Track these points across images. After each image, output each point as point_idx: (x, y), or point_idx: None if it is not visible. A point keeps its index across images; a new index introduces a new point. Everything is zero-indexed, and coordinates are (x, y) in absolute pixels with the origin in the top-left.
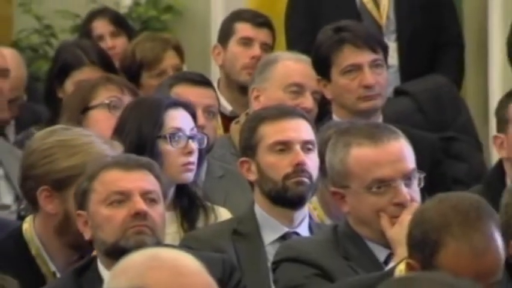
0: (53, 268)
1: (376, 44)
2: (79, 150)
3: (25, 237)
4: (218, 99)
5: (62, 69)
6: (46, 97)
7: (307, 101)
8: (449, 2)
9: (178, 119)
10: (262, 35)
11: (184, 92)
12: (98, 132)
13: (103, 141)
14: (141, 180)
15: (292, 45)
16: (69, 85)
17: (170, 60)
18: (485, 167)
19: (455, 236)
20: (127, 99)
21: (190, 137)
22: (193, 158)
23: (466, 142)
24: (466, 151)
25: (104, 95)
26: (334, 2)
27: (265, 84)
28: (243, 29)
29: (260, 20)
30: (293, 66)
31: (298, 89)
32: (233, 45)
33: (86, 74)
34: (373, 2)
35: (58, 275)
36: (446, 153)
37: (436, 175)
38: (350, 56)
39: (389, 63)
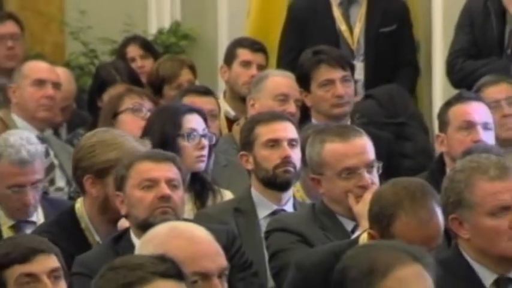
0: (97, 238)
1: (346, 64)
2: (115, 147)
3: (77, 214)
4: (219, 105)
5: (100, 85)
6: (89, 106)
7: (292, 108)
8: (407, 33)
9: (193, 121)
10: (258, 58)
11: (193, 100)
12: (126, 130)
13: (135, 139)
14: (167, 171)
15: (282, 59)
16: (106, 97)
17: (186, 76)
18: (430, 144)
19: (406, 210)
20: (146, 104)
21: (203, 136)
22: (205, 152)
23: (414, 126)
24: (413, 133)
25: (128, 102)
26: (319, 29)
27: (259, 95)
28: (243, 53)
29: (257, 46)
30: (280, 80)
31: (284, 98)
32: (236, 66)
33: (118, 89)
34: (349, 31)
35: None
36: (399, 135)
37: (390, 164)
38: (325, 73)
39: (357, 78)
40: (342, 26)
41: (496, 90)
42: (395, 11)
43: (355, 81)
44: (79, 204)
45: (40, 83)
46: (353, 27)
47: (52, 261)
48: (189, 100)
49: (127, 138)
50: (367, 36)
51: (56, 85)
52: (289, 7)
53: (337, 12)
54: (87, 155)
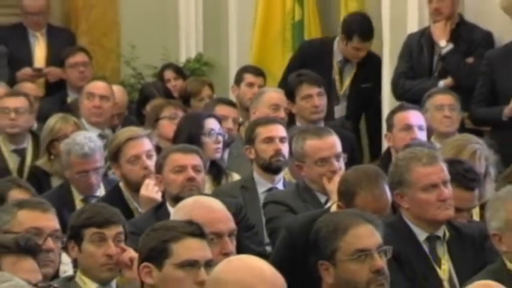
0: (135, 205)
1: (320, 83)
2: (114, 139)
3: (122, 190)
4: (238, 113)
5: (144, 98)
6: (136, 113)
7: (282, 114)
8: (377, 88)
9: (212, 123)
10: (259, 81)
11: (221, 108)
12: (164, 132)
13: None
14: (192, 159)
15: (283, 81)
16: (149, 107)
17: (206, 92)
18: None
19: (364, 189)
20: (179, 113)
21: (218, 134)
22: (220, 145)
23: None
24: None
25: (166, 111)
26: (318, 70)
27: (258, 105)
28: (248, 77)
29: (258, 72)
30: (273, 95)
31: (276, 107)
32: (243, 86)
33: (157, 101)
34: (340, 81)
35: (139, 209)
36: None
37: (352, 156)
38: (306, 89)
39: (340, 115)
40: (336, 76)
41: (443, 98)
42: (373, 70)
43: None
44: (121, 183)
45: (90, 95)
46: (344, 80)
47: (119, 229)
48: (219, 108)
49: (121, 131)
50: (351, 88)
51: (103, 97)
52: (301, 46)
53: (335, 66)
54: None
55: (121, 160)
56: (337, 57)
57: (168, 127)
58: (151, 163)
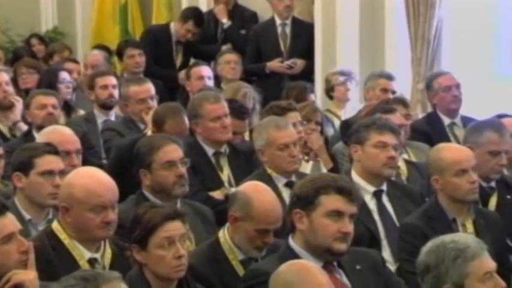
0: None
1: (140, 46)
2: None
3: None
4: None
5: (15, 59)
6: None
7: (103, 69)
8: None
9: (64, 74)
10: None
11: (70, 65)
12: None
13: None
14: (51, 100)
15: None
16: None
17: (66, 53)
18: None
19: (170, 119)
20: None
21: (69, 82)
22: (70, 90)
23: None
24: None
25: (23, 68)
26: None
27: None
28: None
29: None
30: (92, 57)
31: (95, 66)
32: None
33: (24, 60)
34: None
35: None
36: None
37: (161, 97)
38: (130, 51)
39: None
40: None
41: (230, 56)
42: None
43: None
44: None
45: None
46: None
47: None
48: (68, 64)
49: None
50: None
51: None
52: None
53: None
54: None
55: None
56: (174, 39)
57: (27, 79)
58: (8, 88)
